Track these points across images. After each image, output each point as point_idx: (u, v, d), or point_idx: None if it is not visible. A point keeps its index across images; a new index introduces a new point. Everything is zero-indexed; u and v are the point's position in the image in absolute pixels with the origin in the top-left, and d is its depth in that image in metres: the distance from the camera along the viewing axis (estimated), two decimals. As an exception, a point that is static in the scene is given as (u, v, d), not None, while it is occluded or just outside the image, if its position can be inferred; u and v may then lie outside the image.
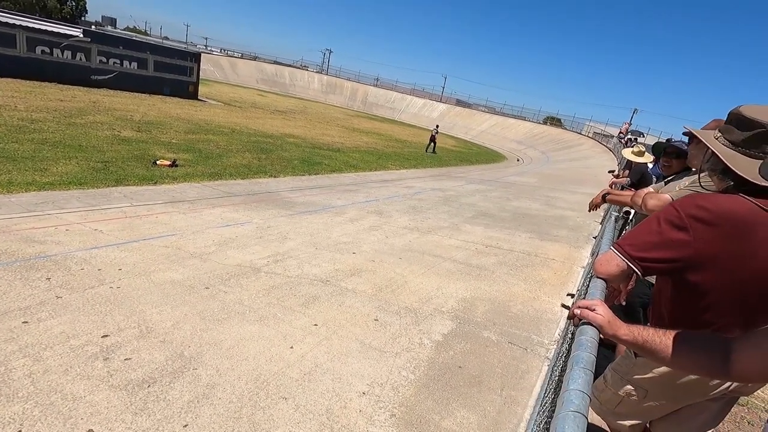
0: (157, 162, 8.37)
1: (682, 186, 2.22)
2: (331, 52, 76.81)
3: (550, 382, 1.77)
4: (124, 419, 2.14)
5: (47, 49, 18.04)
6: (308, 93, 57.45)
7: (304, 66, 68.20)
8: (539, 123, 51.07)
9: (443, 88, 71.09)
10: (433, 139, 22.25)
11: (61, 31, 18.77)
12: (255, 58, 66.30)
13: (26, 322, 2.83)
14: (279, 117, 24.12)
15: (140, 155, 8.82)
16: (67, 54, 18.66)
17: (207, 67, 45.25)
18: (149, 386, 2.39)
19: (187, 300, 3.41)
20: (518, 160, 31.08)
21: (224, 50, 70.77)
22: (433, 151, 22.09)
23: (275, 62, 66.14)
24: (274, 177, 9.35)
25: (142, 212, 5.54)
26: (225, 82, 49.59)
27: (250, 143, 13.07)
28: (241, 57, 65.98)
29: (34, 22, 18.22)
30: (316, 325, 3.29)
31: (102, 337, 2.78)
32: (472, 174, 16.87)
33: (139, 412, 2.20)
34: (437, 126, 24.72)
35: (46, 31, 18.05)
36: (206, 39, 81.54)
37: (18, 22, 17.27)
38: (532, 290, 4.57)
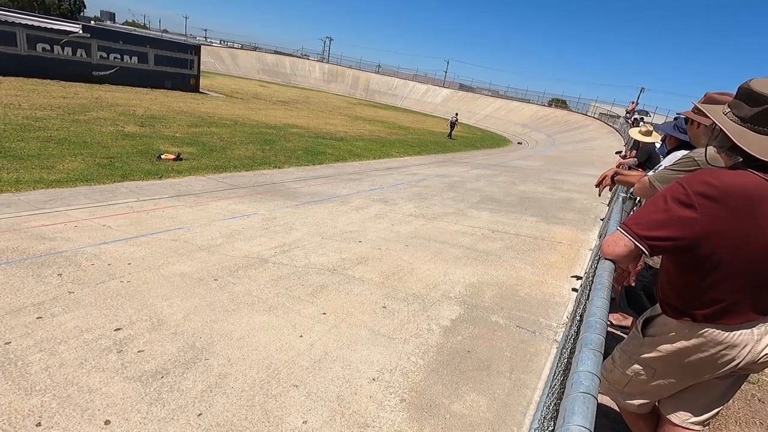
0: (162, 156, 8.40)
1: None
2: (331, 40, 76.15)
3: (559, 365, 1.78)
4: (139, 409, 2.18)
5: (48, 47, 18.03)
6: (310, 82, 57.06)
7: (305, 55, 67.67)
8: (544, 105, 50.41)
9: (446, 72, 70.33)
10: (453, 126, 24.59)
11: (61, 27, 18.71)
12: (255, 49, 65.83)
13: (40, 317, 2.88)
14: (281, 107, 24.03)
15: (145, 150, 8.85)
16: (68, 50, 18.65)
17: (207, 59, 45.05)
18: (163, 377, 2.43)
19: (196, 292, 3.44)
20: (519, 143, 30.81)
21: (224, 41, 70.35)
22: (450, 137, 23.99)
23: (276, 52, 65.64)
24: (279, 168, 9.35)
25: (148, 207, 5.58)
26: (226, 73, 49.37)
27: (254, 135, 13.06)
28: (242, 48, 65.53)
29: (33, 20, 18.17)
30: (324, 313, 3.31)
31: (115, 330, 2.83)
32: (476, 159, 16.75)
33: (154, 402, 2.24)
34: (456, 114, 26.55)
35: (45, 28, 18.01)
36: (206, 31, 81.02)
37: (18, 20, 17.24)
38: (540, 274, 4.56)
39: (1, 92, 13.09)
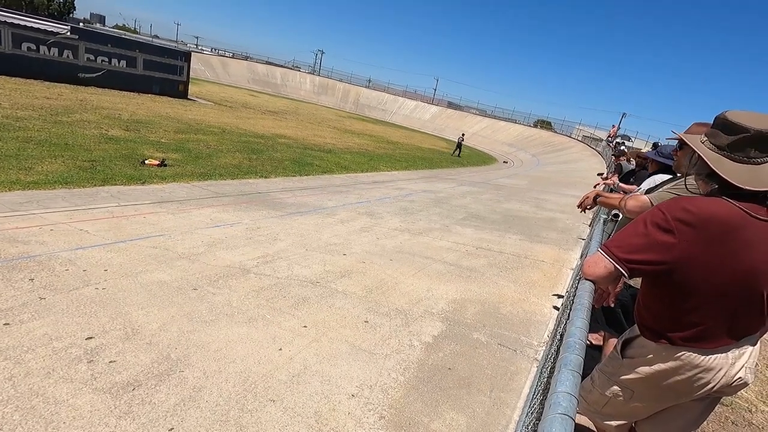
0: (146, 162, 8.26)
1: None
2: (323, 53, 76.67)
3: (539, 384, 1.78)
4: (107, 423, 2.10)
5: (33, 46, 17.72)
6: (300, 94, 57.28)
7: (296, 67, 67.97)
8: (530, 126, 51.54)
9: (435, 90, 71.34)
10: (459, 145, 27.09)
11: (48, 28, 18.45)
12: (247, 58, 65.93)
13: (7, 324, 2.76)
14: (270, 117, 24.00)
15: (128, 154, 8.70)
16: (54, 51, 18.36)
17: (198, 66, 44.90)
18: (134, 389, 2.35)
19: (174, 301, 3.36)
20: (505, 162, 31.42)
21: (215, 50, 70.20)
22: (458, 155, 26.07)
23: (267, 62, 65.83)
24: (265, 178, 9.29)
25: (129, 212, 5.46)
26: (216, 81, 49.22)
27: (241, 143, 12.97)
28: (233, 57, 65.57)
29: (20, 19, 17.88)
30: (305, 326, 3.26)
31: (86, 339, 2.73)
32: (463, 176, 16.95)
33: (123, 416, 2.15)
34: (463, 134, 29.26)
35: (32, 27, 17.73)
36: (197, 38, 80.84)
37: (3, 19, 16.94)
38: (522, 292, 4.59)
39: (-18, 90, 12.78)
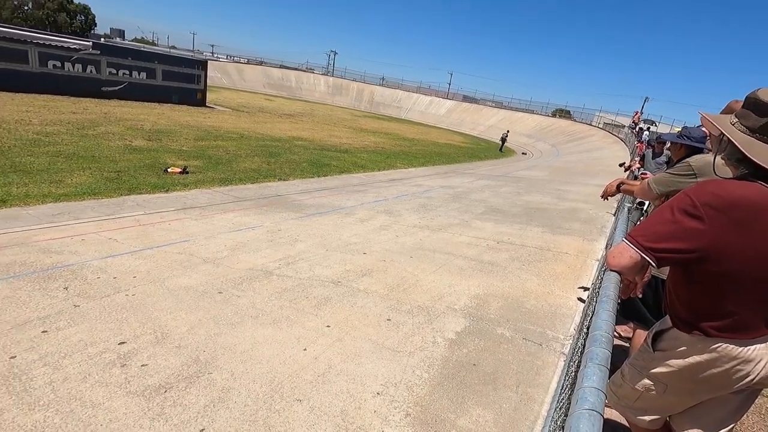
0: (168, 170, 8.48)
1: (666, 170, 2.22)
2: (336, 53, 76.93)
3: (567, 378, 1.74)
4: (142, 425, 2.17)
5: (59, 63, 18.41)
6: (315, 95, 57.68)
7: (310, 69, 68.47)
8: (548, 116, 50.54)
9: (449, 84, 70.71)
10: (503, 140, 30.17)
11: (71, 45, 19.13)
12: (261, 63, 66.80)
13: (45, 331, 2.88)
14: (286, 120, 24.26)
15: (152, 164, 8.95)
16: (78, 67, 19.03)
17: (214, 73, 45.71)
18: (166, 391, 2.42)
19: (201, 305, 3.44)
20: (524, 154, 31.00)
21: (230, 56, 71.38)
22: (501, 150, 29.30)
23: (281, 66, 66.54)
24: (284, 180, 9.40)
25: (155, 220, 5.62)
26: (232, 88, 50.05)
27: (259, 147, 13.17)
28: (248, 62, 66.51)
29: (45, 38, 18.59)
30: (328, 326, 3.29)
31: (119, 344, 2.82)
32: (481, 170, 16.76)
33: (156, 418, 2.22)
34: (507, 131, 32.25)
35: (56, 45, 18.42)
36: (213, 46, 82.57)
37: (30, 38, 17.65)
38: (546, 285, 4.51)
39: (13, 108, 13.35)
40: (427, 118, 50.89)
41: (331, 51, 76.82)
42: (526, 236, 6.42)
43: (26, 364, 2.53)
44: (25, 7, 59.39)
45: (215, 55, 70.85)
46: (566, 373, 1.98)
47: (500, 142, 30.80)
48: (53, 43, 18.38)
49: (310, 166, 11.37)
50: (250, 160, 10.90)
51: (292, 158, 12.15)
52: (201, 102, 24.05)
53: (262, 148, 13.23)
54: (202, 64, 24.72)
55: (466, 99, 59.71)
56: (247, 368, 2.69)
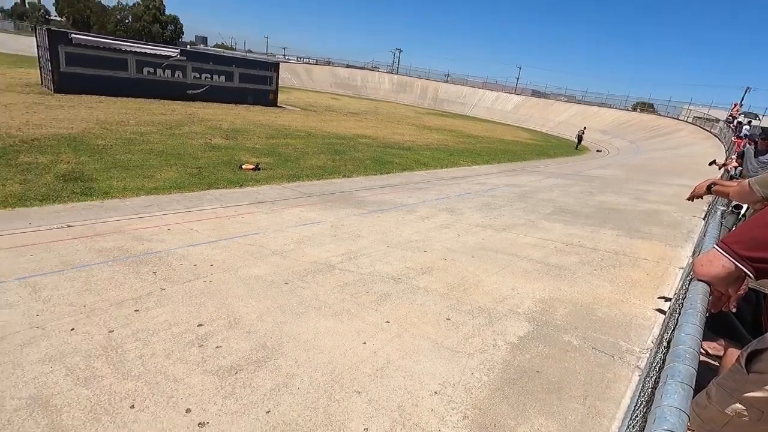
0: (243, 166, 9.08)
1: None
2: (401, 51, 77.44)
3: (642, 395, 1.61)
4: (215, 401, 2.35)
5: (152, 70, 20.43)
6: (379, 93, 58.38)
7: (375, 67, 69.39)
8: (627, 110, 46.74)
9: (517, 79, 67.85)
10: (580, 138, 29.40)
11: (163, 52, 21.12)
12: (329, 63, 68.96)
13: (137, 310, 3.23)
14: (352, 119, 24.83)
15: (228, 160, 9.62)
16: (168, 72, 20.97)
17: (285, 75, 47.95)
18: (236, 373, 2.60)
19: (269, 294, 3.65)
20: (599, 151, 28.90)
21: (300, 58, 74.55)
22: (576, 148, 28.54)
23: (348, 66, 68.17)
24: (347, 177, 9.65)
25: (230, 213, 6.05)
26: (302, 88, 52.22)
27: (325, 145, 13.63)
28: (316, 63, 69.01)
29: (141, 47, 20.71)
30: (388, 322, 3.33)
31: (197, 326, 3.08)
32: (549, 168, 15.94)
33: (228, 396, 2.40)
34: (584, 128, 31.37)
35: (150, 53, 20.45)
36: (284, 49, 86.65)
37: (129, 48, 19.77)
38: (620, 292, 4.19)
39: (115, 111, 15.04)
40: (492, 114, 49.41)
41: (396, 49, 77.43)
42: (599, 239, 6.01)
43: (121, 338, 2.85)
44: (126, 21, 66.63)
45: (286, 57, 74.36)
46: (642, 389, 1.83)
47: (576, 140, 29.75)
48: (148, 52, 20.43)
49: (373, 164, 11.54)
50: (316, 158, 11.32)
51: (356, 156, 12.42)
52: (273, 102, 25.39)
53: (328, 145, 13.67)
54: (275, 66, 26.07)
55: (535, 94, 57.03)
56: (310, 357, 2.81)
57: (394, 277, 4.18)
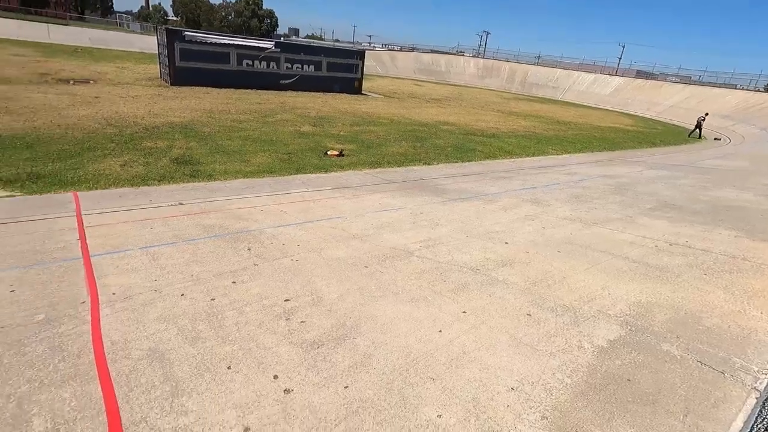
0: (328, 153, 9.48)
1: None
2: (488, 34, 74.17)
3: (761, 420, 1.41)
4: (299, 371, 2.53)
5: (250, 62, 22.05)
6: (464, 78, 56.75)
7: (461, 52, 67.55)
8: (758, 90, 39.89)
9: (620, 58, 61.36)
10: (699, 125, 24.64)
11: (260, 45, 22.66)
12: (413, 50, 68.52)
13: (234, 282, 3.57)
14: (434, 105, 24.53)
15: (314, 147, 10.11)
16: (264, 64, 22.48)
17: (370, 62, 48.67)
18: (318, 347, 2.77)
19: (349, 276, 3.80)
20: (717, 139, 25.00)
21: (385, 45, 75.13)
22: (699, 137, 24.12)
23: (432, 51, 67.17)
24: (428, 164, 9.59)
25: (316, 197, 6.38)
26: (386, 75, 52.66)
27: (407, 132, 13.66)
28: (401, 50, 68.98)
29: (241, 41, 22.42)
30: (464, 312, 3.29)
31: (284, 300, 3.33)
32: (653, 158, 14.30)
33: (310, 368, 2.57)
34: (706, 113, 26.37)
35: (249, 46, 22.07)
36: (370, 36, 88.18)
37: (230, 42, 21.53)
38: (737, 302, 3.67)
39: (218, 101, 16.55)
40: (587, 98, 45.42)
41: (484, 32, 74.27)
42: (712, 240, 5.29)
43: (221, 306, 3.19)
44: (229, 17, 72.56)
45: (372, 45, 75.44)
46: (759, 414, 1.59)
47: (695, 128, 25.10)
48: (246, 44, 22.07)
49: (455, 151, 11.33)
50: (397, 145, 11.41)
51: (437, 143, 12.28)
52: (357, 90, 25.99)
53: (410, 132, 13.69)
54: (360, 54, 26.60)
55: (640, 74, 51.19)
56: (387, 339, 2.89)
57: (472, 268, 4.11)
